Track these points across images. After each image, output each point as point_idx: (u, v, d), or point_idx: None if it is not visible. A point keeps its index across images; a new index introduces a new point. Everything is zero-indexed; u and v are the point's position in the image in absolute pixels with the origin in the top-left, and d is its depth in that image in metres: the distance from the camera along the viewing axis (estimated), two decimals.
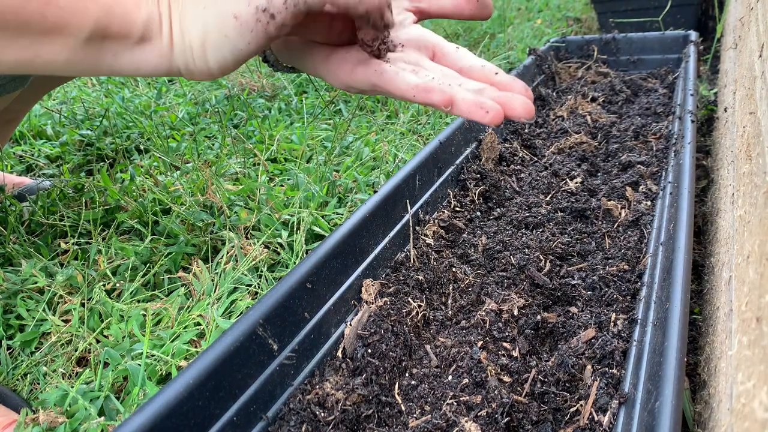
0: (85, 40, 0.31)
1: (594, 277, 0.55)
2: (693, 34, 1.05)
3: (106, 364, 0.58)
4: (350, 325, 0.48)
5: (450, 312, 0.53)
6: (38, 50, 0.31)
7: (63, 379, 0.57)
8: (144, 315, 0.63)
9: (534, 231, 0.65)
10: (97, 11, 0.31)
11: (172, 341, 0.59)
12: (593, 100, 1.00)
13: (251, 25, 0.32)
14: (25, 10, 0.29)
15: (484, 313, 0.50)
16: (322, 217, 0.79)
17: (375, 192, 0.59)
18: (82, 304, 0.66)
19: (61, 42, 0.31)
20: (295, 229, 0.75)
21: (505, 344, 0.48)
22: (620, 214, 0.65)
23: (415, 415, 0.42)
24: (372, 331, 0.47)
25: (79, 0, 0.30)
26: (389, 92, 0.37)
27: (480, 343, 0.47)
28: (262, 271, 0.69)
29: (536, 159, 0.84)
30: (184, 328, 0.61)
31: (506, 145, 0.86)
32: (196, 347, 0.59)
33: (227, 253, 0.71)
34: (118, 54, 0.33)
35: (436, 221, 0.65)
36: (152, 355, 0.57)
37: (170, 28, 0.33)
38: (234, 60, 0.33)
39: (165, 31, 0.33)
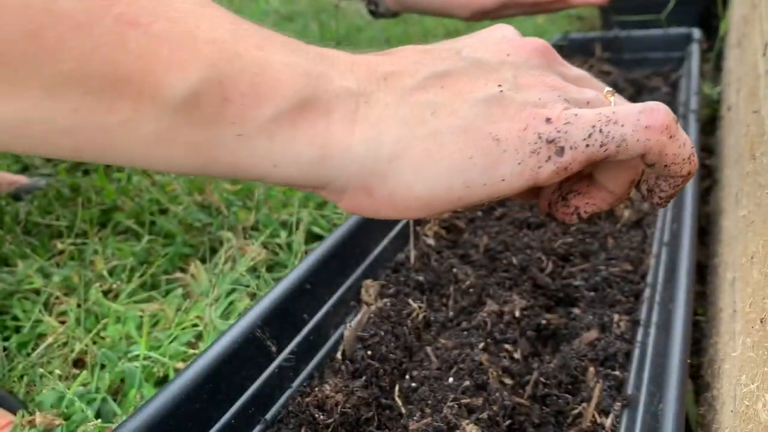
0: (183, 104, 0.20)
1: (597, 278, 0.55)
2: (696, 32, 1.05)
3: (102, 366, 0.57)
4: (350, 326, 0.48)
5: (451, 313, 0.52)
6: (113, 112, 0.19)
7: (59, 380, 0.57)
8: (141, 316, 0.63)
9: (536, 231, 0.65)
10: (207, 59, 0.20)
11: (170, 343, 0.59)
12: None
13: (521, 155, 0.22)
14: (61, 43, 0.18)
15: (485, 314, 0.50)
16: (322, 217, 0.78)
17: None
18: (79, 305, 0.65)
19: (130, 104, 0.19)
20: (293, 229, 0.75)
21: (506, 346, 0.47)
22: (623, 214, 0.65)
23: (415, 418, 0.42)
24: (372, 332, 0.47)
25: (175, 40, 0.19)
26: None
27: (481, 345, 0.47)
28: (260, 272, 0.69)
29: None
30: (182, 329, 0.61)
31: None
32: (193, 349, 0.59)
33: (225, 253, 0.71)
34: (249, 136, 0.21)
35: (437, 221, 0.64)
36: (149, 357, 0.57)
37: (346, 121, 0.22)
38: (454, 192, 0.22)
39: (333, 121, 0.22)
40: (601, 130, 0.22)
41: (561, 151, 0.22)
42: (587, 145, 0.22)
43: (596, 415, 0.41)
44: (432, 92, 0.23)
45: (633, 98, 1.00)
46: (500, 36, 0.26)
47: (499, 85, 0.23)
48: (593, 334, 0.47)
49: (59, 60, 0.18)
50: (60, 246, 0.75)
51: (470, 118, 0.22)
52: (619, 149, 0.22)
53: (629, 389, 0.42)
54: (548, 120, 0.22)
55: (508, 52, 0.25)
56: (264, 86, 0.21)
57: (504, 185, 0.22)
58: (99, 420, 0.51)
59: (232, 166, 0.22)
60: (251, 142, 0.21)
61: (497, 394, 0.42)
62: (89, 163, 0.91)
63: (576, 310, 0.52)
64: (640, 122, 0.22)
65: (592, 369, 0.44)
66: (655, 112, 0.23)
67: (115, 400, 0.55)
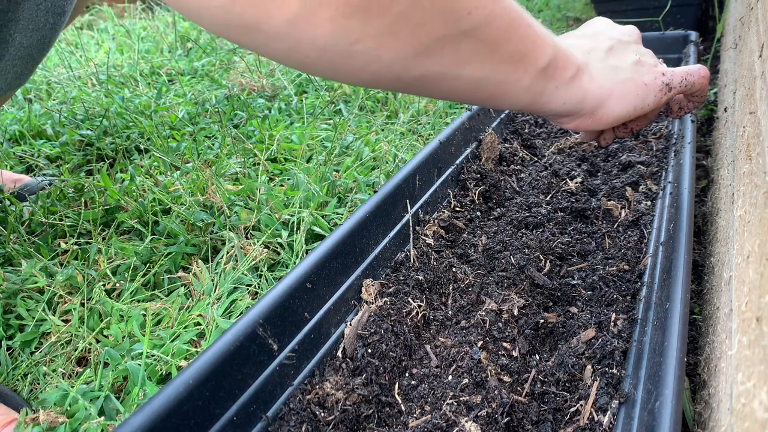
0: (542, 70, 0.37)
1: (594, 277, 0.55)
2: (693, 34, 1.05)
3: (106, 364, 0.58)
4: (350, 325, 0.48)
5: (450, 312, 0.53)
6: (512, 71, 0.35)
7: (63, 379, 0.57)
8: (144, 315, 0.63)
9: (534, 231, 0.65)
10: (551, 46, 0.37)
11: (172, 341, 0.59)
12: None
13: (655, 92, 0.43)
14: (512, 35, 0.34)
15: (484, 313, 0.50)
16: (322, 217, 0.79)
17: (375, 192, 0.59)
18: (82, 304, 0.66)
19: (528, 68, 0.36)
20: (295, 229, 0.75)
21: (505, 344, 0.48)
22: (620, 214, 0.65)
23: (415, 415, 0.42)
24: (372, 331, 0.47)
25: (540, 36, 0.36)
26: None
27: (480, 343, 0.47)
28: (262, 271, 0.69)
29: (536, 159, 0.84)
30: (184, 328, 0.61)
31: (506, 145, 0.86)
32: (196, 347, 0.59)
33: (227, 253, 0.71)
34: (559, 87, 0.39)
35: (436, 221, 0.65)
36: (152, 355, 0.57)
37: (589, 77, 0.41)
38: (629, 113, 0.43)
39: (585, 77, 0.40)
40: (686, 78, 0.45)
41: (670, 89, 0.44)
42: (680, 85, 0.45)
43: (594, 413, 0.41)
44: (611, 59, 0.42)
45: None
46: (611, 24, 0.46)
47: (636, 54, 0.44)
48: (591, 332, 0.47)
49: (510, 43, 0.34)
50: (64, 245, 0.75)
51: (632, 73, 0.43)
52: (691, 87, 0.46)
53: (626, 387, 0.42)
54: (663, 74, 0.44)
55: (628, 33, 0.46)
56: (567, 61, 0.39)
57: (649, 107, 0.43)
58: (102, 418, 0.51)
59: (543, 104, 0.39)
60: (559, 90, 0.39)
61: (496, 392, 0.42)
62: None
63: (573, 309, 0.52)
64: (700, 74, 0.47)
65: (589, 367, 0.45)
66: (703, 69, 0.47)
67: (118, 398, 0.55)
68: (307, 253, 0.71)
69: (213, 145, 1.10)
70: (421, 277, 0.55)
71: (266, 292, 0.44)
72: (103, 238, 0.78)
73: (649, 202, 0.66)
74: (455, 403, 0.42)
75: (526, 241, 0.62)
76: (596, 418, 0.41)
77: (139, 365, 0.55)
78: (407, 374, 0.46)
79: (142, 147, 1.09)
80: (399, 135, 1.07)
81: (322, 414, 0.41)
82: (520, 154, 0.84)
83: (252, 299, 0.65)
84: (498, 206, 0.72)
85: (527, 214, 0.68)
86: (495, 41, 0.33)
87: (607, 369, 0.44)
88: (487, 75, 0.34)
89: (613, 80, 0.41)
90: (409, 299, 0.52)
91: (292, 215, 0.78)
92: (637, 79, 0.42)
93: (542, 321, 0.50)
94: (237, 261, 0.71)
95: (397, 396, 0.44)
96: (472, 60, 0.33)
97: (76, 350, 0.60)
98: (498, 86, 0.35)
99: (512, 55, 0.34)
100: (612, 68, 0.42)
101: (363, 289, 0.52)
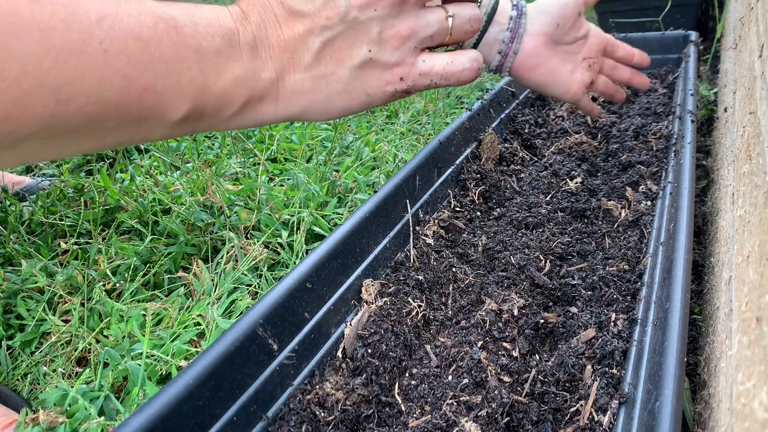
0: (182, 120, 0.29)
1: (594, 277, 0.55)
2: (693, 34, 1.05)
3: (106, 364, 0.58)
4: (350, 325, 0.48)
5: (450, 312, 0.53)
6: (136, 133, 0.29)
7: (63, 379, 0.57)
8: (144, 315, 0.63)
9: (534, 231, 0.65)
10: (192, 93, 0.29)
11: (172, 341, 0.59)
12: (593, 99, 1.00)
13: (382, 100, 0.36)
14: (125, 100, 0.26)
15: (484, 313, 0.50)
16: (322, 217, 0.79)
17: (375, 192, 0.59)
18: (82, 304, 0.66)
19: (157, 125, 0.29)
20: (295, 229, 0.75)
21: (505, 344, 0.48)
22: (620, 214, 0.65)
23: (415, 415, 0.42)
24: (372, 331, 0.47)
25: (176, 84, 0.28)
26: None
27: (480, 343, 0.48)
28: (262, 271, 0.69)
29: (536, 159, 0.84)
30: (184, 328, 0.61)
31: (506, 145, 0.86)
32: (196, 347, 0.59)
33: (227, 253, 0.71)
34: (221, 121, 0.32)
35: (436, 221, 0.65)
36: (152, 355, 0.57)
37: (272, 99, 0.32)
38: (339, 116, 0.37)
39: (263, 104, 0.32)
40: (436, 83, 0.36)
41: (408, 93, 0.36)
42: (425, 88, 0.36)
43: (594, 413, 0.41)
44: (321, 66, 0.33)
45: (629, 99, 1.01)
46: None
47: (369, 50, 0.33)
48: (591, 332, 0.47)
49: (116, 117, 0.28)
50: (64, 245, 0.75)
51: (350, 83, 0.33)
52: (445, 84, 0.37)
53: (626, 387, 0.42)
54: (402, 79, 0.35)
55: (375, 7, 0.32)
56: (224, 98, 0.32)
57: (369, 107, 0.36)
58: (102, 418, 0.51)
59: (212, 129, 0.33)
60: (225, 122, 0.33)
61: (496, 392, 0.42)
62: (93, 164, 0.92)
63: (573, 309, 0.52)
64: (461, 76, 0.37)
65: (589, 367, 0.45)
66: (471, 70, 0.37)
67: (118, 398, 0.55)
68: (307, 253, 0.71)
69: (213, 145, 1.10)
70: (421, 277, 0.55)
71: (266, 292, 0.44)
72: (103, 238, 0.78)
73: (649, 202, 0.66)
74: (455, 403, 0.42)
75: (526, 241, 0.62)
76: (596, 418, 0.41)
77: (139, 365, 0.55)
78: (407, 374, 0.46)
79: (142, 147, 1.09)
80: (399, 135, 1.07)
81: (322, 414, 0.41)
82: (520, 154, 0.84)
83: (252, 299, 0.65)
84: (498, 206, 0.72)
85: (527, 214, 0.68)
86: (98, 120, 0.26)
87: (607, 369, 0.44)
88: (107, 143, 0.29)
89: (315, 94, 0.33)
90: (409, 299, 0.51)
91: (292, 215, 0.78)
92: (354, 90, 0.33)
93: (542, 321, 0.50)
94: (237, 261, 0.71)
95: (397, 396, 0.44)
96: (73, 140, 0.27)
97: (76, 350, 0.60)
98: (131, 141, 0.30)
99: (126, 122, 0.27)
100: (319, 79, 0.33)
101: (363, 289, 0.52)
